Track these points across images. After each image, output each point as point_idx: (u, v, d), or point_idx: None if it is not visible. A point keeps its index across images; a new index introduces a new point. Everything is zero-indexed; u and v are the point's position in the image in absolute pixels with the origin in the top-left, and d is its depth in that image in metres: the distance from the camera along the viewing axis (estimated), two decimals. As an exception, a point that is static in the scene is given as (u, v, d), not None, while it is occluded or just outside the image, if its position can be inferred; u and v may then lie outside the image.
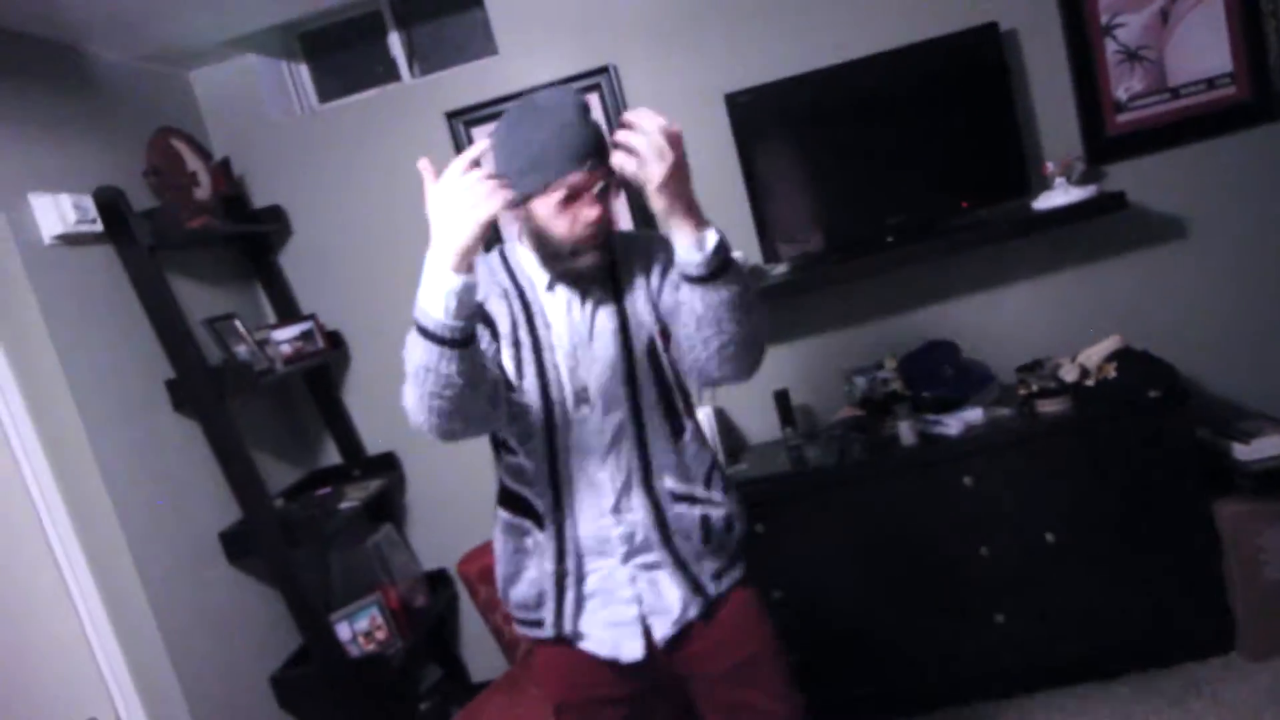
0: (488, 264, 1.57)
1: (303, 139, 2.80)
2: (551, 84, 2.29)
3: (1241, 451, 2.34)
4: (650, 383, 1.52)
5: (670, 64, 2.63)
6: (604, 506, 1.52)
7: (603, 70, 2.61)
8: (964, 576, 2.36)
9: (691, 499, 1.55)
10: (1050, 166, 2.49)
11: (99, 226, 2.13)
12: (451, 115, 2.68)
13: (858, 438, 2.40)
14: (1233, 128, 2.54)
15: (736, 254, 1.34)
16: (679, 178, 1.23)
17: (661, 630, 1.52)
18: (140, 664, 2.11)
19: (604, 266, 1.47)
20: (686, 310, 1.35)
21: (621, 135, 1.21)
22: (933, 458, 2.33)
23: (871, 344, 2.66)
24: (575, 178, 1.36)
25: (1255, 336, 2.62)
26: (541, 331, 1.50)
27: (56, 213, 2.04)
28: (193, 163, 2.38)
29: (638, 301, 1.51)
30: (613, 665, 1.55)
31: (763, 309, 1.37)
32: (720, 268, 1.28)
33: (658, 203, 1.25)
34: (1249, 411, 2.58)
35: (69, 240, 2.08)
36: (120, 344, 2.25)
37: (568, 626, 1.55)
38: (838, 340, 2.69)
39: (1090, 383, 2.33)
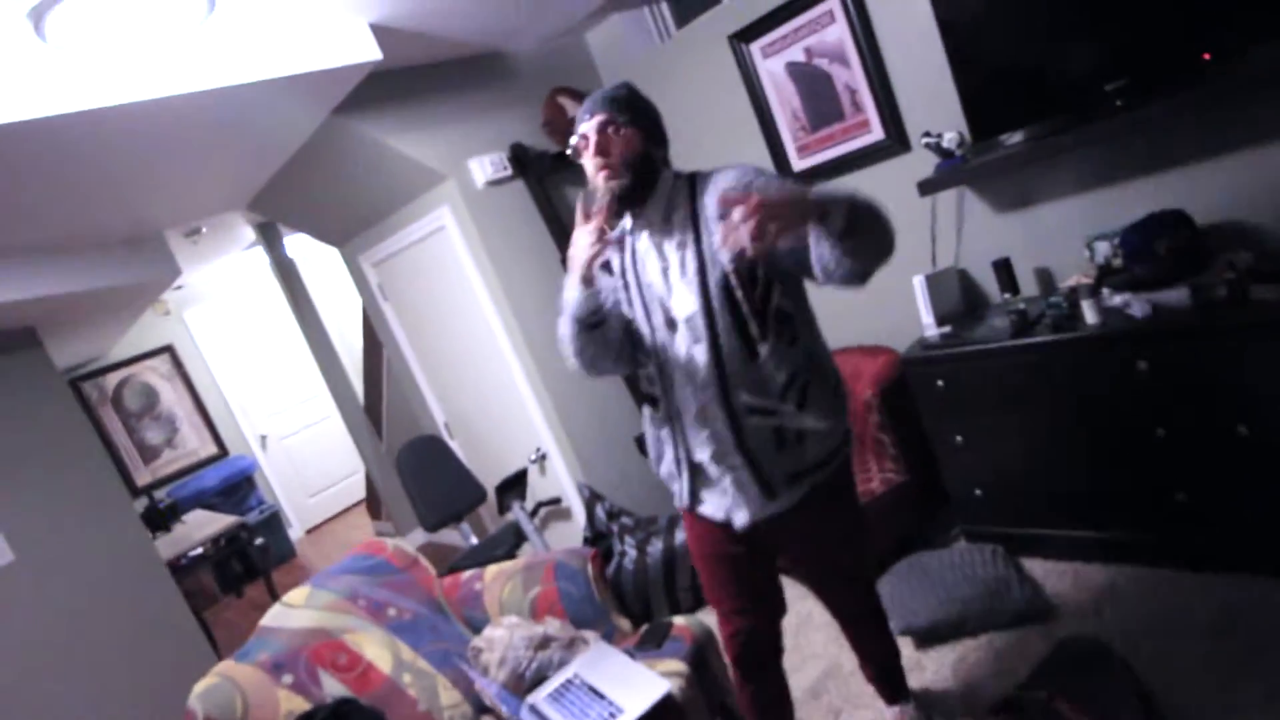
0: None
1: (658, 62, 3.49)
2: None
3: None
4: (725, 312, 1.58)
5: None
6: (694, 415, 1.66)
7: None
8: (1142, 455, 2.27)
9: (765, 411, 1.62)
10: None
11: (510, 171, 3.31)
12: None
13: (1060, 311, 2.35)
14: None
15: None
16: (774, 218, 1.28)
17: (741, 520, 1.68)
18: (554, 429, 3.43)
19: (686, 211, 1.61)
20: (814, 257, 1.45)
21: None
22: (1107, 337, 2.23)
23: (1107, 209, 2.50)
24: (578, 131, 1.64)
25: None
26: (638, 270, 1.68)
27: (484, 168, 3.23)
28: (572, 110, 3.42)
29: (715, 241, 1.56)
30: (724, 527, 1.73)
31: (883, 225, 1.44)
32: (848, 229, 1.36)
33: (784, 243, 1.36)
34: None
35: (493, 183, 3.30)
36: (525, 235, 3.38)
37: (688, 500, 1.77)
38: (1077, 205, 2.56)
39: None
